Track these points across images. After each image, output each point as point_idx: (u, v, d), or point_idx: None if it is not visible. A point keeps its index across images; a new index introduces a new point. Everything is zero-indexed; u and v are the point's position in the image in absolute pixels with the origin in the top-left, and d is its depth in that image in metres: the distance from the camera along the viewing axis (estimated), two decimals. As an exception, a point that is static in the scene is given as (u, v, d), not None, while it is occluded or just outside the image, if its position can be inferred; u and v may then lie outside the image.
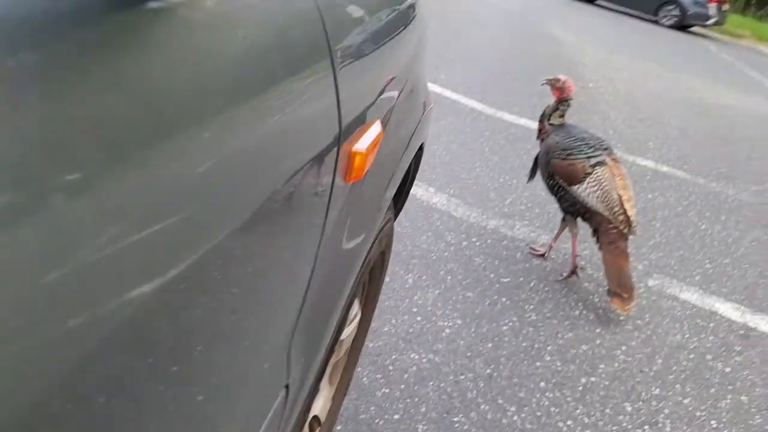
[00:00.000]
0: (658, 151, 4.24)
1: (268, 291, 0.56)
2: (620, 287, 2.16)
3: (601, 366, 1.93)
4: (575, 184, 2.21)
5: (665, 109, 5.51)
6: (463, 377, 1.73)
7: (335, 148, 0.65)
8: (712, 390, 1.95)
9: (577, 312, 2.18)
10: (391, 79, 0.94)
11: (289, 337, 0.68)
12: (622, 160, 3.80)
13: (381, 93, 0.87)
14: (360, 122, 0.74)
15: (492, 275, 2.26)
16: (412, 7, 1.16)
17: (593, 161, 2.20)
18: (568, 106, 2.36)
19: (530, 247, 2.52)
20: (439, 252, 2.32)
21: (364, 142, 0.74)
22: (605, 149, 2.27)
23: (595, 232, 2.25)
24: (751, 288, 2.66)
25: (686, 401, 1.87)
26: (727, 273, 2.74)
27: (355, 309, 1.21)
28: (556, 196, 2.31)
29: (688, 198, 3.53)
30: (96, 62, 0.32)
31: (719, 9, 12.83)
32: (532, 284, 2.27)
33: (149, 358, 0.37)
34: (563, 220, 2.39)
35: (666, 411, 1.81)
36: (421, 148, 1.38)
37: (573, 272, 2.37)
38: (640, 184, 3.55)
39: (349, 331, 1.19)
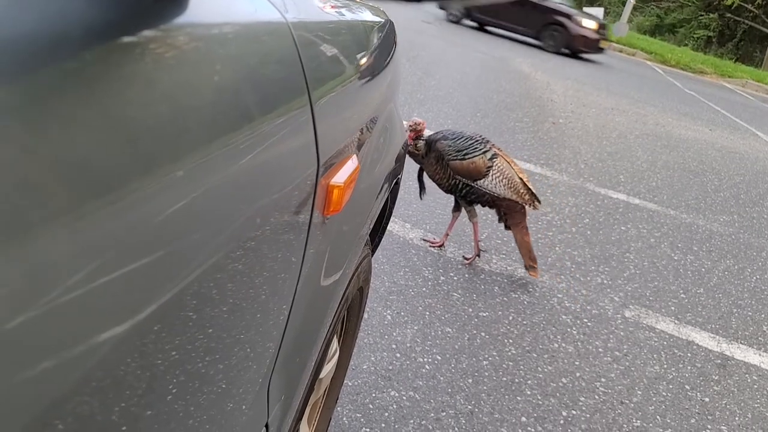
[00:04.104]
0: (629, 184, 4.32)
1: (245, 330, 0.55)
2: (531, 260, 2.50)
3: (582, 399, 1.92)
4: (480, 179, 2.41)
5: (634, 142, 5.62)
6: (444, 414, 1.70)
7: (313, 182, 0.65)
8: (693, 420, 1.94)
9: (555, 345, 2.17)
10: (368, 115, 0.95)
11: (269, 376, 0.66)
12: (595, 193, 3.89)
13: (357, 128, 0.87)
14: (337, 156, 0.74)
15: (470, 310, 2.25)
16: (387, 45, 1.18)
17: (489, 155, 2.43)
18: (423, 139, 2.53)
19: (426, 240, 2.67)
20: (417, 287, 2.31)
21: (341, 175, 0.73)
22: (488, 142, 2.49)
23: (504, 216, 2.50)
24: (725, 317, 2.68)
25: (667, 432, 1.87)
26: (701, 303, 2.77)
27: (334, 346, 1.20)
28: (459, 194, 2.49)
29: (660, 229, 3.58)
30: (67, 96, 0.31)
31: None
32: (510, 318, 2.26)
33: (122, 402, 0.36)
34: (454, 211, 2.60)
35: (648, 443, 1.81)
36: (397, 184, 1.38)
37: (477, 255, 2.61)
38: (613, 216, 3.60)
39: (328, 369, 1.17)
